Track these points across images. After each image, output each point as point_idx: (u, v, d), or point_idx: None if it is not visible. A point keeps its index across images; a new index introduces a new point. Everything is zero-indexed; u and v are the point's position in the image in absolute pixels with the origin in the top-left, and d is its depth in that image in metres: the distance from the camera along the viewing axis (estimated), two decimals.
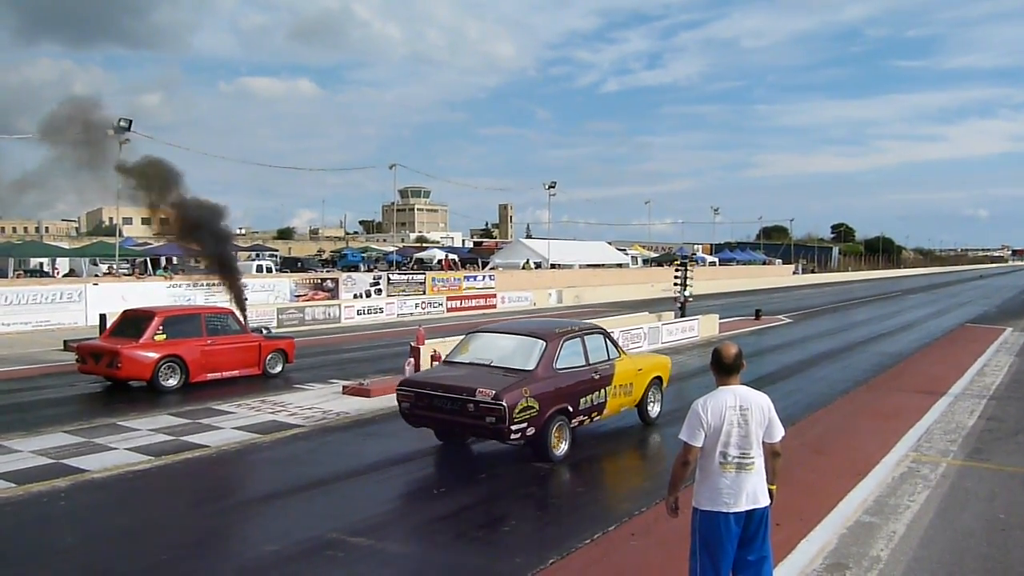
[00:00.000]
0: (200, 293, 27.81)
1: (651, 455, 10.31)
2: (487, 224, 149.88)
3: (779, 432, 4.84)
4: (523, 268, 52.16)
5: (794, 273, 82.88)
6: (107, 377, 14.64)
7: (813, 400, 14.14)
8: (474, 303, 36.30)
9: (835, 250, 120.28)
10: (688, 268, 26.79)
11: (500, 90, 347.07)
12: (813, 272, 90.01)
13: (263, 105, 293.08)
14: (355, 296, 33.14)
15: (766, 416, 4.81)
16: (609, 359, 10.16)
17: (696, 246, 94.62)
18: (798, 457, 9.68)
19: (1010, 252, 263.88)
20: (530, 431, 8.65)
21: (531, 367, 8.96)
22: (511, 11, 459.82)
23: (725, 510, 4.69)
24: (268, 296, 29.47)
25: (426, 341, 16.75)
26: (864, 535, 7.17)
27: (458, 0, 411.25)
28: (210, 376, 15.11)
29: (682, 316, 25.10)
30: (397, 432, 11.54)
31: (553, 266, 55.01)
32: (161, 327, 14.67)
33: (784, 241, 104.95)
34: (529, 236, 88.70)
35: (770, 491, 4.82)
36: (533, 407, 8.64)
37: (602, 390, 9.84)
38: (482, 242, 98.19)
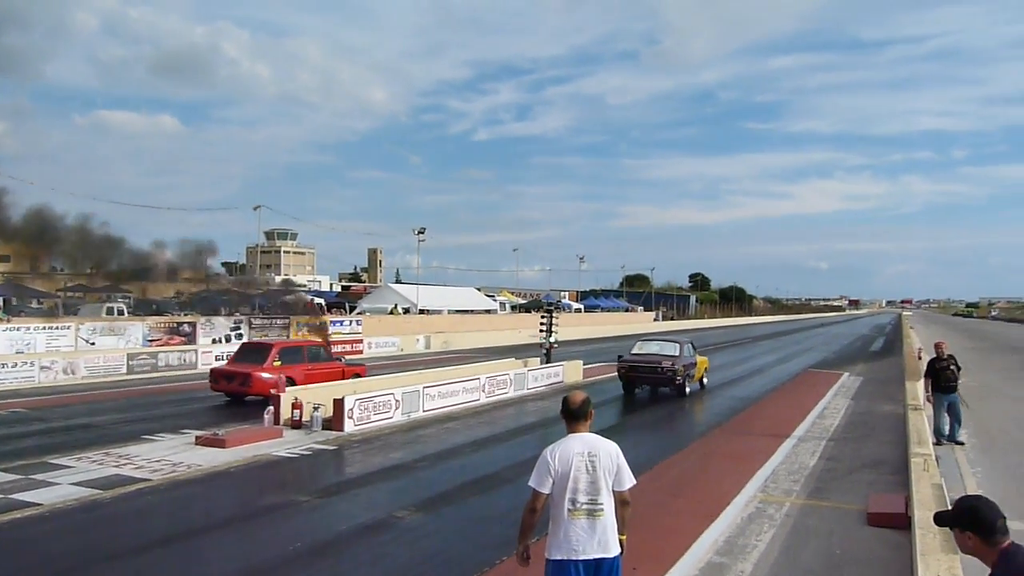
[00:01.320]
0: (42, 336, 25.92)
1: (518, 503, 10.27)
2: (356, 268, 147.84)
3: (628, 480, 4.91)
4: (391, 313, 51.61)
5: (655, 320, 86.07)
6: (234, 393, 18.86)
7: (670, 444, 14.63)
8: (340, 348, 35.50)
9: (692, 298, 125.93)
10: (554, 315, 27.30)
11: (372, 134, 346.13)
12: (672, 319, 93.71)
13: (122, 140, 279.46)
14: (214, 341, 31.77)
15: (614, 463, 4.89)
16: (694, 354, 22.16)
17: (562, 293, 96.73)
18: (656, 500, 9.96)
19: (847, 302, 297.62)
20: (679, 381, 19.94)
21: (676, 354, 20.60)
22: (384, 58, 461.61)
23: (573, 557, 4.72)
24: (118, 341, 27.79)
25: (287, 389, 16.21)
26: (715, 575, 7.41)
27: (330, 44, 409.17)
28: None
29: (547, 362, 25.47)
30: (253, 485, 11.06)
31: (422, 311, 54.74)
32: (278, 355, 19.10)
33: (646, 289, 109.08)
34: (399, 281, 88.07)
35: (620, 541, 4.88)
36: (681, 371, 19.98)
37: (696, 367, 21.72)
38: (351, 286, 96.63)
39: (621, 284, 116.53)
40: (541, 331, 26.92)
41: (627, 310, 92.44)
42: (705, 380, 23.38)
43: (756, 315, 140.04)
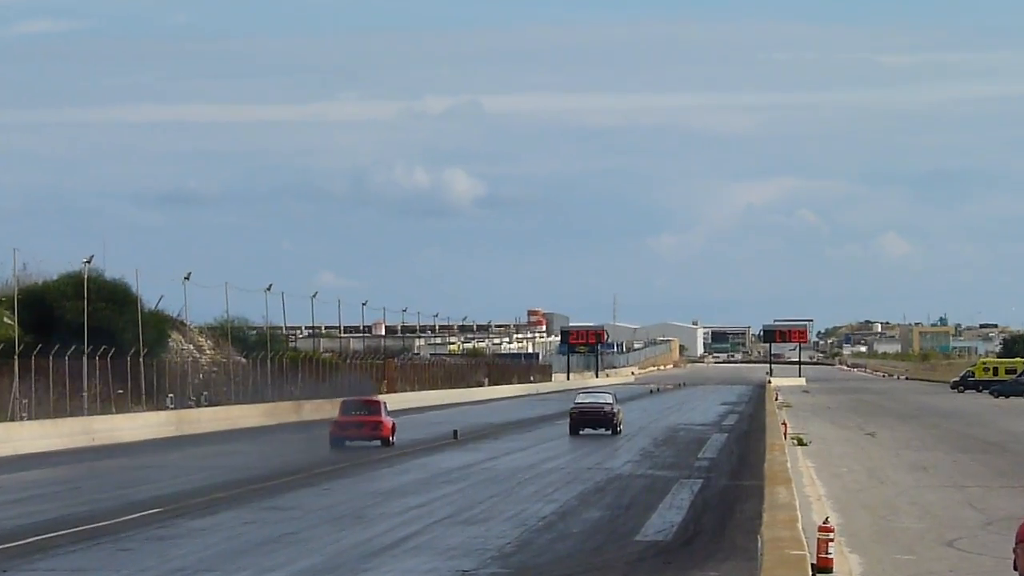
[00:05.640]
0: None
1: None
2: None
3: None
4: None
5: None
6: (369, 438, 43.62)
7: None
8: None
9: None
10: None
11: None
12: None
13: None
14: None
15: None
16: (618, 403, 58.14)
17: None
18: None
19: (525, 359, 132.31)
20: (616, 422, 54.73)
21: (611, 402, 56.40)
22: None
23: None
24: None
25: None
26: None
27: None
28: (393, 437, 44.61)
29: None
30: None
31: None
32: (384, 408, 46.11)
33: None
34: None
35: None
36: (619, 414, 56.01)
37: (622, 412, 58.99)
38: None
39: None
40: None
41: None
42: (622, 425, 53.75)
43: None
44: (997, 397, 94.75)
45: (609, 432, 51.40)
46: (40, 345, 50.56)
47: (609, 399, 54.89)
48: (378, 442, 42.82)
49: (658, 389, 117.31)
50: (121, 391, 54.96)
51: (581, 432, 51.64)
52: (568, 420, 53.47)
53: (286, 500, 28.70)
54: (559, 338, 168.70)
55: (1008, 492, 30.74)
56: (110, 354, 53.64)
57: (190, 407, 60.18)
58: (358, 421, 43.32)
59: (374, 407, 44.68)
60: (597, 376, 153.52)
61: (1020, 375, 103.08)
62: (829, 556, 16.16)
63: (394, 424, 44.18)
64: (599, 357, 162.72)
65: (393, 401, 78.50)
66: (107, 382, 53.85)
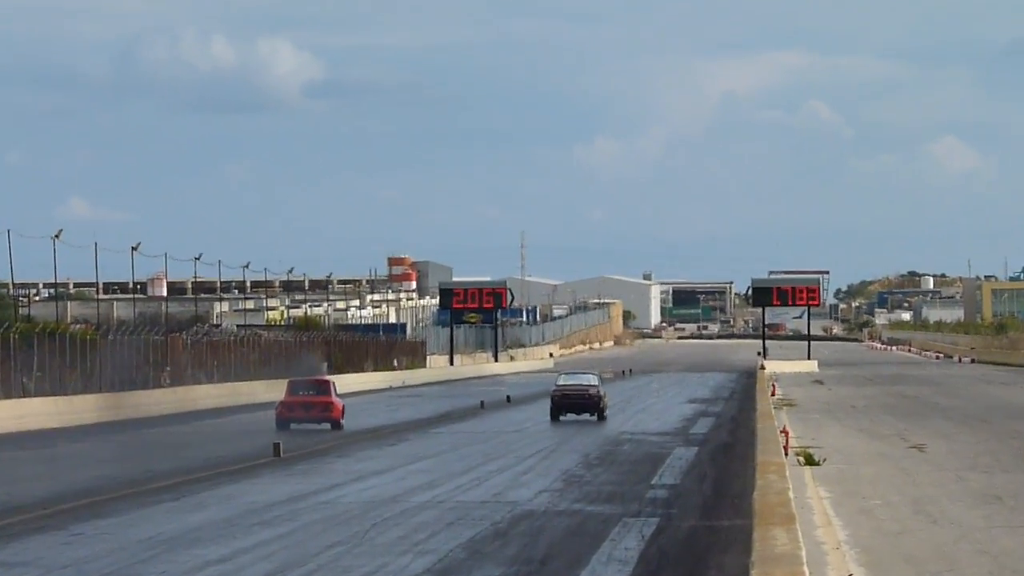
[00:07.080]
0: None
1: None
2: None
3: None
4: None
5: None
6: (318, 420, 45.32)
7: None
8: None
9: None
10: None
11: None
12: None
13: None
14: None
15: None
16: (602, 385, 60.95)
17: None
18: None
19: None
20: (602, 406, 56.53)
21: (596, 383, 58.49)
22: None
23: None
24: None
25: None
26: None
27: None
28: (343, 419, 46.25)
29: None
30: None
31: None
32: (334, 388, 48.32)
33: None
34: None
35: None
36: (604, 397, 57.78)
37: (606, 396, 61.18)
38: None
39: None
40: None
41: None
42: (607, 410, 55.78)
43: None
44: None
45: (595, 417, 54.04)
46: None
47: (595, 380, 57.18)
48: (328, 425, 44.29)
49: None
50: None
51: (562, 418, 54.08)
52: (549, 403, 55.40)
53: (16, 551, 22.73)
54: (437, 301, 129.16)
55: None
56: None
57: None
58: (306, 402, 44.51)
59: (323, 387, 46.58)
60: (497, 359, 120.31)
61: None
62: None
63: (344, 406, 45.50)
64: (499, 330, 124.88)
65: (182, 399, 63.01)
66: None
